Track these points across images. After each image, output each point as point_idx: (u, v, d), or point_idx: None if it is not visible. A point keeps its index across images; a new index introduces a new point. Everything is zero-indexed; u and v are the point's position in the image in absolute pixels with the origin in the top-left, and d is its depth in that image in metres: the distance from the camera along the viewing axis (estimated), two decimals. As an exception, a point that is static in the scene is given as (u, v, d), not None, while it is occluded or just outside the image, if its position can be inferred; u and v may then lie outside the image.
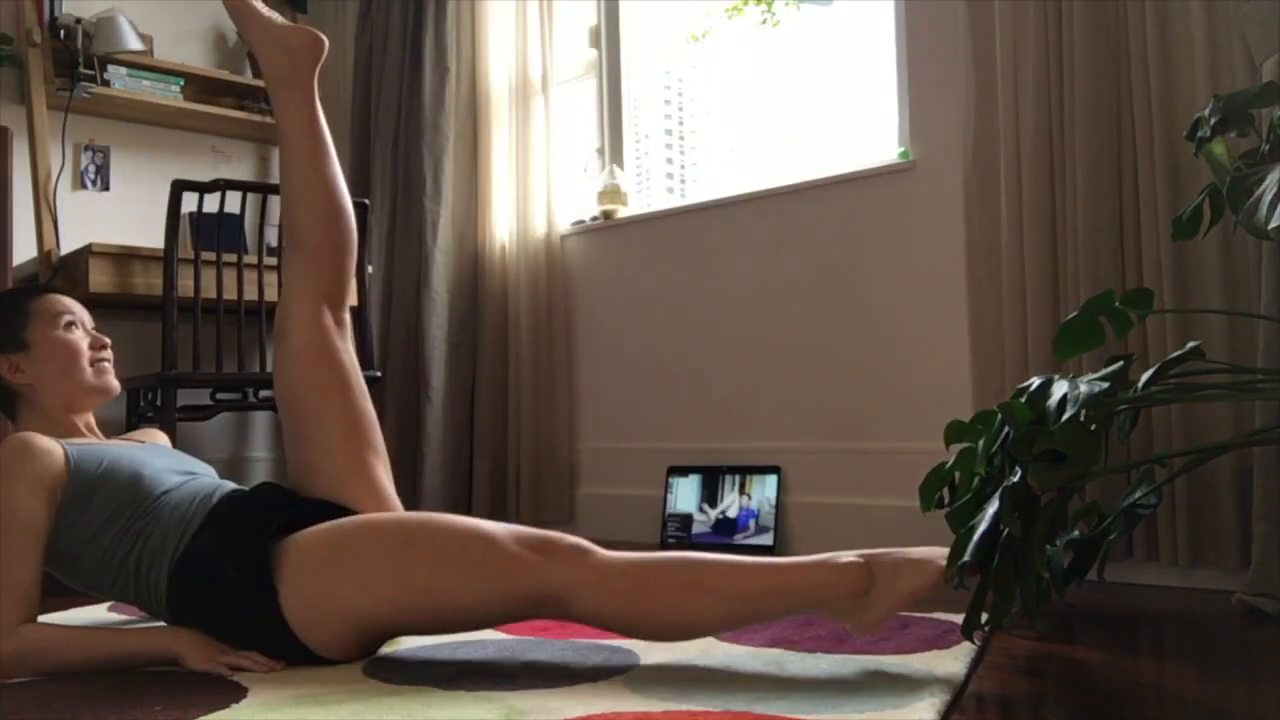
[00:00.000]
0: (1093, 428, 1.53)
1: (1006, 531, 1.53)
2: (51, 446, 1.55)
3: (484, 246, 3.35)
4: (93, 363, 1.70)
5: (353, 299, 3.11)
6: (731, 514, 2.74)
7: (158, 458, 1.68)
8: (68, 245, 3.00)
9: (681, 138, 3.68)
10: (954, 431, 1.78)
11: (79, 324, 1.71)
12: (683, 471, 2.86)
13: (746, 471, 2.76)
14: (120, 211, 3.40)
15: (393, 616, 1.45)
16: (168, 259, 2.64)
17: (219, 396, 2.81)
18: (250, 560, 1.46)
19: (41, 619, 1.51)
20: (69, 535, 1.54)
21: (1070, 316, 1.68)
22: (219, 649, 1.46)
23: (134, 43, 3.24)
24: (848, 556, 1.41)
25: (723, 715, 1.18)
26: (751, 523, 2.70)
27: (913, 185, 2.52)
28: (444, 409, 3.29)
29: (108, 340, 1.73)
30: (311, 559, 1.46)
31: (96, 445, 1.64)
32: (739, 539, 2.69)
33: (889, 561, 1.40)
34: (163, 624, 1.58)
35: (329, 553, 1.46)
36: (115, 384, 1.73)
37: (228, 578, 1.46)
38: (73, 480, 1.54)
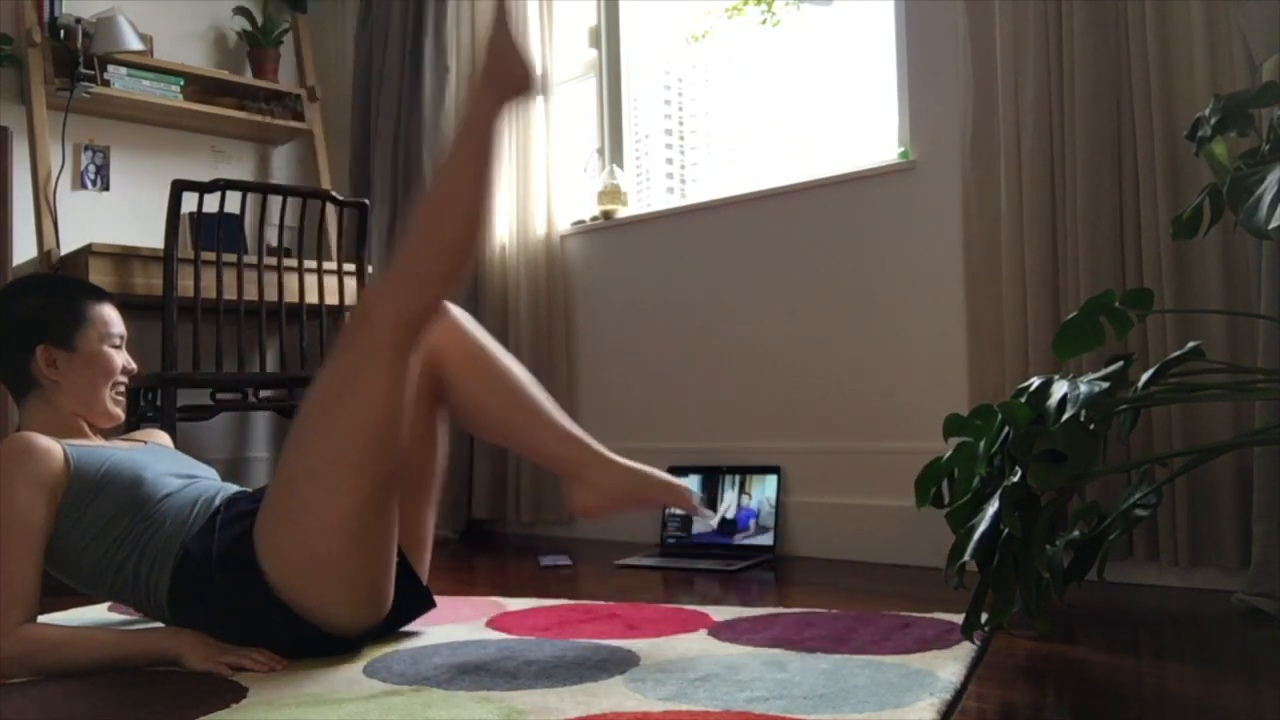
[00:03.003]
0: (1092, 428, 1.53)
1: (1006, 531, 1.53)
2: (51, 446, 1.55)
3: (484, 246, 3.35)
4: (114, 386, 1.71)
5: (353, 300, 3.13)
6: (730, 514, 2.74)
7: (159, 460, 1.68)
8: (68, 245, 3.00)
9: (681, 138, 3.68)
10: (952, 425, 1.78)
11: (123, 344, 1.74)
12: (683, 471, 2.86)
13: (746, 471, 2.76)
14: (120, 211, 3.40)
15: (348, 523, 1.44)
16: (168, 259, 2.64)
17: (219, 397, 2.81)
18: (233, 556, 1.48)
19: (41, 619, 1.51)
20: (69, 536, 1.54)
21: (1070, 316, 1.68)
22: (220, 649, 1.47)
23: (134, 43, 3.24)
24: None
25: (723, 715, 1.18)
26: (751, 523, 2.69)
27: (913, 185, 2.52)
28: (444, 409, 3.29)
29: (135, 369, 1.75)
30: (268, 524, 1.48)
31: (98, 447, 1.64)
32: (739, 539, 2.69)
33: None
34: (163, 625, 1.58)
35: (275, 509, 1.48)
36: (123, 414, 1.74)
37: (221, 577, 1.46)
38: (73, 481, 1.55)
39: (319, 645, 1.51)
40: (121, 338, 1.74)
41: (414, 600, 1.66)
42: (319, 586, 1.46)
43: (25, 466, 1.51)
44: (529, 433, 1.61)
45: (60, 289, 1.74)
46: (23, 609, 1.46)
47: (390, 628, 1.65)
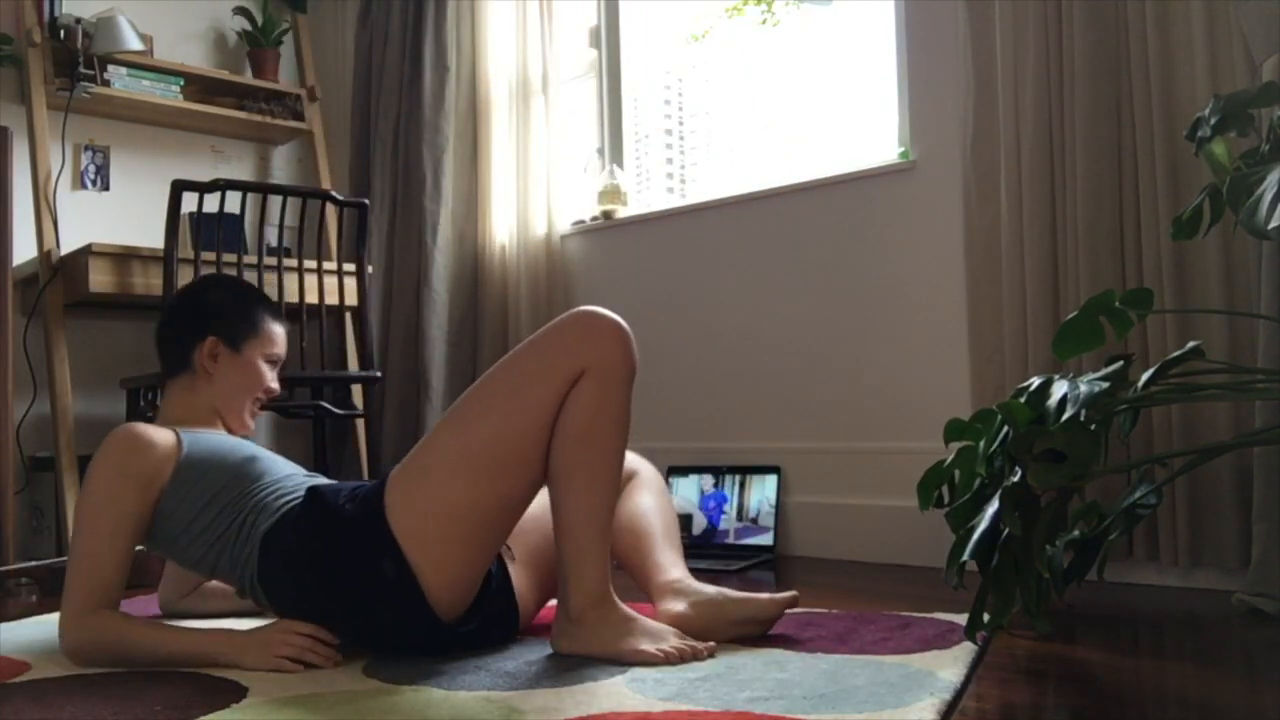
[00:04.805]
0: (1093, 428, 1.53)
1: (1006, 531, 1.53)
2: (156, 440, 1.59)
3: (484, 246, 3.35)
4: (254, 399, 1.80)
5: (352, 300, 3.13)
6: (731, 514, 2.74)
7: (273, 456, 1.75)
8: (67, 245, 3.00)
9: (681, 138, 3.68)
10: (954, 430, 1.78)
11: (277, 366, 1.83)
12: (683, 471, 2.86)
13: (746, 471, 2.76)
14: (120, 211, 3.40)
15: (477, 491, 1.47)
16: (168, 259, 2.64)
17: (219, 396, 2.80)
18: (363, 499, 1.52)
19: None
20: (173, 516, 1.58)
21: (1070, 316, 1.68)
22: (278, 643, 1.47)
23: (134, 43, 3.24)
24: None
25: (723, 715, 1.18)
26: (752, 523, 2.69)
27: (913, 185, 2.52)
28: (444, 409, 3.29)
29: (278, 390, 1.83)
30: (405, 476, 1.52)
31: (217, 433, 1.72)
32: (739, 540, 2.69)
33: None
34: (223, 629, 1.56)
35: (415, 461, 1.52)
36: (253, 427, 1.82)
37: (344, 511, 1.51)
38: (181, 464, 1.59)
39: (407, 617, 1.50)
40: (280, 360, 1.83)
41: (503, 610, 1.65)
42: (436, 535, 1.47)
43: (130, 460, 1.55)
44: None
45: (247, 296, 1.84)
46: (96, 598, 1.49)
47: (477, 633, 1.61)
